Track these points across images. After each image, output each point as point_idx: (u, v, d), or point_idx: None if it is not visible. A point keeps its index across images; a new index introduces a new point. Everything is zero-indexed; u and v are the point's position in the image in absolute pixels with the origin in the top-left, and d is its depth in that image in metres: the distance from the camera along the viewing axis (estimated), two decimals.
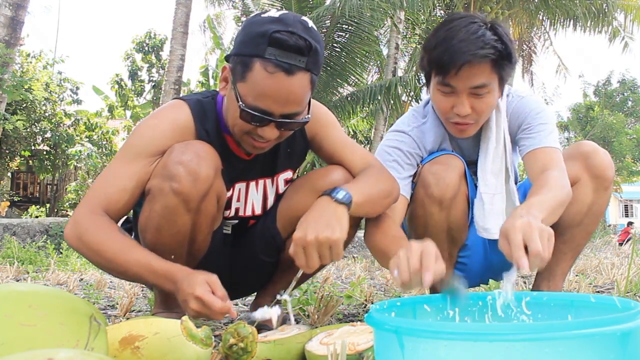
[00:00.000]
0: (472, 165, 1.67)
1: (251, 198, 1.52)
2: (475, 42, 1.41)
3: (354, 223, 1.50)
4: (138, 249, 1.25)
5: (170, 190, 1.27)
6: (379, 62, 12.78)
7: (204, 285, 1.13)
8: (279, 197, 1.56)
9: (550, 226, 1.73)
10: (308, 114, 1.32)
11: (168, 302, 1.50)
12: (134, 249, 1.24)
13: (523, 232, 1.04)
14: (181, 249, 1.37)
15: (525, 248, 1.02)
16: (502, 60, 1.45)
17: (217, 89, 1.49)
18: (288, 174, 1.55)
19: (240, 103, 1.24)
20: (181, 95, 9.29)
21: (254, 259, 1.58)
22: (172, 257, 1.36)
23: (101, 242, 1.23)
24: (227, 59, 1.33)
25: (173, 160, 1.28)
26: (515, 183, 1.72)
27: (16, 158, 13.97)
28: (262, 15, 1.26)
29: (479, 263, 1.72)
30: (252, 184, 1.50)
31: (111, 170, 1.33)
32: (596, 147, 1.64)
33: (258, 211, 1.54)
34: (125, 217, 1.71)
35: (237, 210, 1.51)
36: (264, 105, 1.23)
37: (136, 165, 1.31)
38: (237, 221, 1.54)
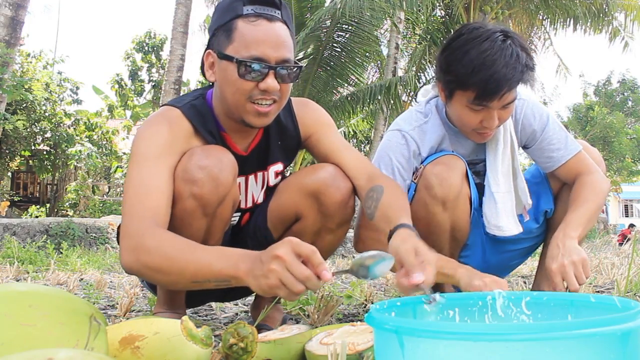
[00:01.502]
0: (471, 165, 1.68)
1: (251, 190, 1.53)
2: (516, 66, 1.43)
3: (345, 223, 1.51)
4: (203, 247, 1.16)
5: (190, 194, 1.27)
6: (379, 62, 12.79)
7: (286, 245, 0.99)
8: (269, 195, 1.57)
9: (546, 224, 1.76)
10: (297, 64, 1.34)
11: (169, 302, 1.51)
12: (192, 250, 1.13)
13: (561, 274, 1.36)
14: None
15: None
16: (531, 74, 1.49)
17: (204, 86, 1.50)
18: (279, 167, 1.56)
19: (236, 58, 1.25)
20: (181, 95, 9.30)
21: None
22: None
23: (159, 254, 1.12)
24: (208, 45, 1.35)
25: (195, 164, 1.28)
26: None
27: (16, 158, 13.97)
28: None
29: (477, 262, 1.73)
30: (251, 177, 1.52)
31: (139, 180, 1.24)
32: (586, 144, 1.73)
33: (257, 199, 1.56)
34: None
35: (238, 203, 1.52)
36: (258, 52, 1.25)
37: (161, 167, 1.26)
38: (238, 215, 1.55)
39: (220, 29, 1.30)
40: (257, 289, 1.02)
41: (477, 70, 1.42)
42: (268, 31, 1.27)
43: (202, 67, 1.39)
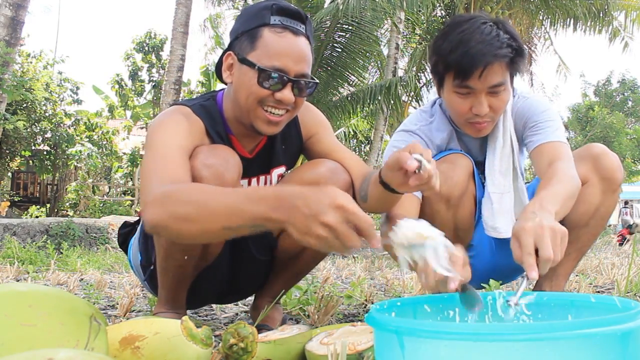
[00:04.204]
0: (480, 165, 1.67)
1: None
2: (493, 42, 1.43)
3: None
4: (224, 194, 1.06)
5: None
6: (379, 62, 12.78)
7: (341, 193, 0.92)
8: None
9: None
10: (313, 79, 1.35)
11: (170, 302, 1.51)
12: (221, 195, 1.05)
13: (535, 235, 1.04)
14: (195, 251, 1.38)
15: (537, 251, 1.03)
16: (516, 57, 1.48)
17: (215, 90, 1.51)
18: (281, 170, 1.57)
19: (258, 66, 1.27)
20: (181, 95, 9.30)
21: (249, 259, 1.58)
22: (185, 257, 1.37)
23: (186, 203, 1.05)
24: (227, 49, 1.36)
25: (200, 162, 1.28)
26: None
27: (16, 158, 13.96)
28: (255, 3, 1.35)
29: (484, 263, 1.71)
30: (254, 180, 1.53)
31: (161, 157, 1.22)
32: (606, 149, 1.64)
33: None
34: (124, 221, 1.72)
35: None
36: (280, 63, 1.27)
37: (182, 152, 1.26)
38: None
39: (245, 34, 1.31)
40: (293, 233, 0.93)
41: (454, 49, 1.44)
42: (292, 44, 1.29)
43: (217, 67, 1.41)
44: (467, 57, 1.42)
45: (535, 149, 1.55)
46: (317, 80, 1.37)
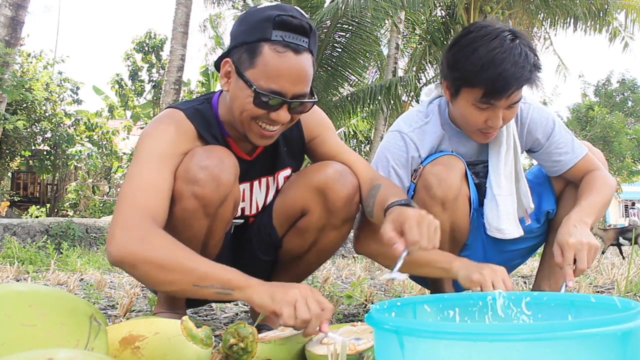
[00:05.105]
0: (471, 166, 1.67)
1: (255, 197, 1.53)
2: (525, 65, 1.43)
3: (350, 220, 1.51)
4: (203, 258, 1.15)
5: (191, 194, 1.27)
6: (379, 62, 12.78)
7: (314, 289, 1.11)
8: (276, 193, 1.57)
9: (548, 225, 1.76)
10: (313, 96, 1.33)
11: (170, 302, 1.51)
12: (200, 258, 1.14)
13: (575, 249, 1.36)
14: (196, 251, 1.38)
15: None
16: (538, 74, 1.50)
17: (211, 92, 1.49)
18: (287, 172, 1.56)
19: (255, 87, 1.24)
20: (181, 95, 9.30)
21: (252, 259, 1.58)
22: None
23: (166, 252, 1.11)
24: (226, 53, 1.33)
25: (196, 164, 1.27)
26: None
27: (16, 158, 13.95)
28: (259, 7, 1.30)
29: (477, 261, 1.72)
30: (256, 183, 1.52)
31: (142, 176, 1.23)
32: (589, 146, 1.72)
33: (261, 206, 1.56)
34: None
35: (242, 210, 1.52)
36: (278, 86, 1.24)
37: (164, 167, 1.26)
38: (242, 221, 1.55)
39: (244, 46, 1.26)
40: (262, 299, 1.07)
41: (486, 68, 1.42)
42: (292, 65, 1.23)
43: (216, 66, 1.38)
44: (501, 79, 1.41)
45: (571, 170, 1.66)
46: (316, 99, 1.34)
